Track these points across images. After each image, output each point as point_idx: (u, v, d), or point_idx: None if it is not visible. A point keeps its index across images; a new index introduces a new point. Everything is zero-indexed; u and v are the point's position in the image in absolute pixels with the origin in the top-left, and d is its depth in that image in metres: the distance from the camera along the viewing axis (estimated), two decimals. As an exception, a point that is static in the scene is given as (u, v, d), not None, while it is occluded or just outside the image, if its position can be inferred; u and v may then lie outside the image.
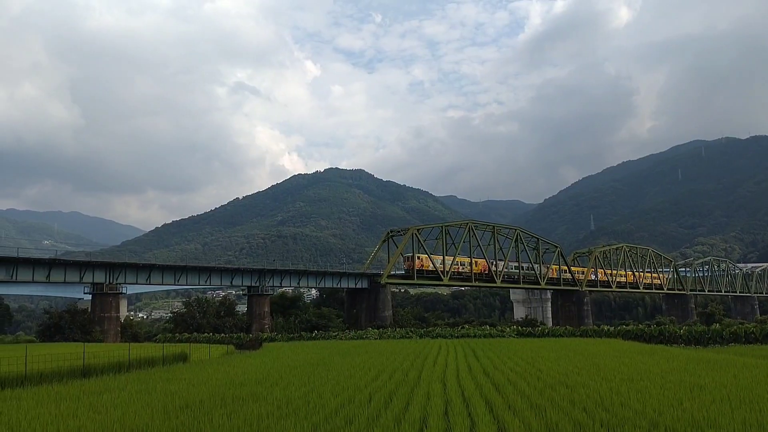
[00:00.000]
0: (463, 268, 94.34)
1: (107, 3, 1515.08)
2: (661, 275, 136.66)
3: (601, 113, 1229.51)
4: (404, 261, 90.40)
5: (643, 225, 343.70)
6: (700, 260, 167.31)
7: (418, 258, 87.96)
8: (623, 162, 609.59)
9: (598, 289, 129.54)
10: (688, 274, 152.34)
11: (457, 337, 58.95)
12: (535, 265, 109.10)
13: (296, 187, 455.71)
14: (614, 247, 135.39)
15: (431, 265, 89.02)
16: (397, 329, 67.28)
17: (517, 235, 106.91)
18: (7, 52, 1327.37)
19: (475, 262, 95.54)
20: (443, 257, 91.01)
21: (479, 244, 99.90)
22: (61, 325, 67.08)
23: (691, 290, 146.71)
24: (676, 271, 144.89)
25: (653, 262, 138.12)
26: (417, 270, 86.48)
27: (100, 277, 67.20)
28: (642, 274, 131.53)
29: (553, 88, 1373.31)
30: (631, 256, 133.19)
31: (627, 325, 72.87)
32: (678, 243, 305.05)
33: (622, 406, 14.01)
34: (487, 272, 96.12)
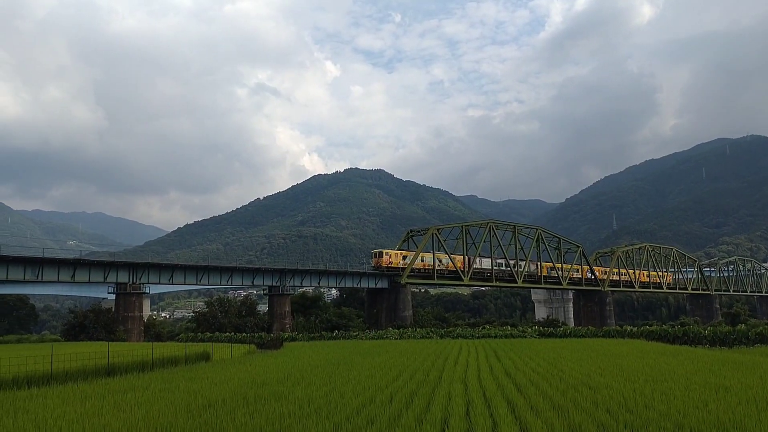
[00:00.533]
0: (443, 266, 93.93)
1: (130, 6, 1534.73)
2: (666, 273, 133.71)
3: (624, 111, 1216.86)
4: (372, 257, 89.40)
5: (667, 224, 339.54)
6: (725, 260, 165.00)
7: (386, 254, 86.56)
8: (646, 161, 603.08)
9: (621, 289, 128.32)
10: (713, 274, 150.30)
11: (478, 337, 58.73)
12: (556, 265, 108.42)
13: (316, 187, 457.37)
14: (637, 246, 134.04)
15: (401, 261, 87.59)
16: (418, 329, 67.21)
17: (538, 235, 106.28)
18: (33, 56, 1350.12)
19: (470, 259, 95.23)
20: (433, 254, 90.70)
21: (500, 244, 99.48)
22: (86, 324, 68.05)
23: (715, 290, 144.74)
24: (700, 271, 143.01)
25: (677, 262, 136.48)
26: (387, 267, 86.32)
27: (123, 277, 68.04)
28: (644, 272, 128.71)
29: (574, 86, 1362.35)
30: (654, 256, 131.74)
31: (650, 325, 72.05)
32: (702, 242, 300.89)
33: (646, 407, 13.86)
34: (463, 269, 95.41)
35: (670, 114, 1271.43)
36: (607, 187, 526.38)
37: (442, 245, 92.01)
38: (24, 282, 76.89)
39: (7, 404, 15.72)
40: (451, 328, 69.35)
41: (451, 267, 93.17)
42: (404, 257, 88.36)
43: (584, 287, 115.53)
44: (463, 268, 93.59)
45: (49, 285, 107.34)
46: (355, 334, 65.19)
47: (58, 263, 64.06)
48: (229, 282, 79.82)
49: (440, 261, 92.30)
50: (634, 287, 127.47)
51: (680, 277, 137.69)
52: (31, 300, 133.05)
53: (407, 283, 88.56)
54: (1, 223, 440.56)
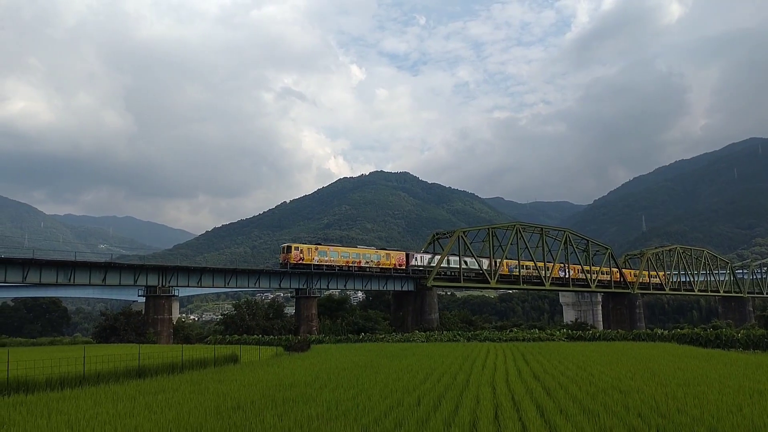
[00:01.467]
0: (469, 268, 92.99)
1: (158, 12, 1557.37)
2: (661, 274, 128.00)
3: (652, 111, 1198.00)
4: (280, 252, 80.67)
5: (698, 226, 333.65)
6: (758, 261, 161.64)
7: (296, 249, 77.38)
8: (676, 161, 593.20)
9: (651, 291, 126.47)
10: (746, 276, 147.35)
11: (506, 340, 58.33)
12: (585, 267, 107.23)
13: (342, 190, 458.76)
14: (667, 248, 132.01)
15: (315, 257, 78.19)
16: (444, 332, 66.99)
17: (566, 237, 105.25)
18: (64, 63, 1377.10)
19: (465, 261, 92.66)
20: (459, 257, 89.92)
21: (527, 246, 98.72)
22: (117, 326, 69.14)
23: (748, 293, 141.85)
24: (732, 273, 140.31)
25: (709, 264, 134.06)
26: (297, 263, 77.05)
27: (153, 280, 68.97)
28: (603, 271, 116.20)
29: (601, 86, 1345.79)
30: (685, 258, 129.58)
31: (681, 328, 70.85)
32: (735, 244, 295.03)
33: (678, 411, 13.64)
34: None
35: (701, 114, 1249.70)
36: (636, 189, 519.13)
37: (468, 248, 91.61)
38: (57, 285, 78.40)
39: (41, 405, 16.04)
40: (478, 331, 68.99)
41: (477, 270, 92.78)
42: (320, 252, 79.01)
43: (613, 290, 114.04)
44: (490, 270, 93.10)
45: (81, 288, 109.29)
46: (381, 336, 65.20)
47: (90, 267, 65.20)
48: (257, 285, 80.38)
49: (466, 263, 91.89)
50: (665, 290, 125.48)
51: (712, 279, 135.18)
52: (64, 303, 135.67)
53: (433, 285, 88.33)
54: (34, 228, 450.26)
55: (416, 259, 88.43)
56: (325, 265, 78.78)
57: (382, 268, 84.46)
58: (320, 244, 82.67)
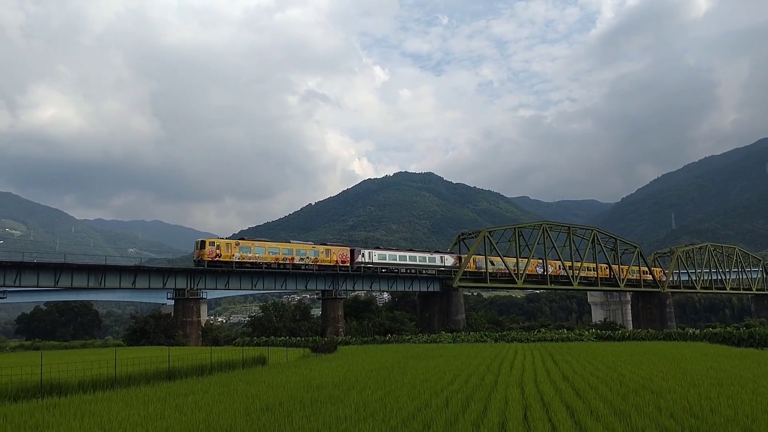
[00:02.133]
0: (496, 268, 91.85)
1: (183, 18, 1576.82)
2: (655, 269, 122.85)
3: (681, 107, 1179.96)
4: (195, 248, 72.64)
5: (729, 223, 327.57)
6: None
7: (210, 244, 69.44)
8: (705, 157, 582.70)
9: (681, 290, 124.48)
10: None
11: (534, 340, 57.87)
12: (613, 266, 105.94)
13: (366, 191, 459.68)
14: (698, 246, 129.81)
15: (236, 254, 70.17)
16: (471, 333, 66.68)
17: (593, 236, 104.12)
18: (93, 70, 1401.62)
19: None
20: (485, 257, 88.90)
21: (554, 246, 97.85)
22: (147, 329, 70.10)
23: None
24: (765, 270, 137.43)
25: (740, 262, 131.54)
26: (212, 260, 68.37)
27: (181, 283, 69.75)
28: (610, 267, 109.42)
29: (628, 83, 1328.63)
30: (716, 256, 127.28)
31: (713, 327, 69.58)
32: (767, 241, 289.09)
33: (712, 412, 13.40)
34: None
35: (730, 108, 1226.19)
36: (665, 186, 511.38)
37: (494, 248, 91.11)
38: (88, 289, 79.70)
39: (74, 408, 16.32)
40: (505, 332, 68.56)
41: (503, 270, 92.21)
42: (243, 248, 71.09)
43: (643, 289, 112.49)
44: (516, 270, 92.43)
45: (111, 291, 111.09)
46: (407, 337, 65.12)
47: (120, 270, 66.23)
48: (283, 287, 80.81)
49: (492, 263, 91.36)
50: (696, 288, 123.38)
51: (744, 277, 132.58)
52: (95, 306, 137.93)
53: (459, 286, 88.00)
54: (65, 233, 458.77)
55: (363, 256, 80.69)
56: (249, 263, 71.07)
57: (320, 266, 76.94)
58: (243, 239, 75.36)
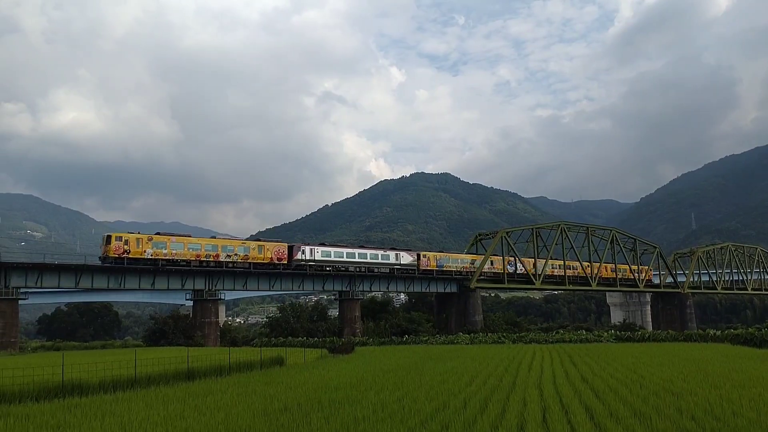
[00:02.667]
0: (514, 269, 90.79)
1: (201, 21, 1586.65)
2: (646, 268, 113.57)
3: (700, 106, 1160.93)
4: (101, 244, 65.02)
5: (750, 222, 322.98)
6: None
7: (119, 239, 62.56)
8: (726, 156, 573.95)
9: (702, 290, 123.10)
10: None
11: (552, 342, 57.51)
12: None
13: (383, 192, 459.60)
14: (718, 246, 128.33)
15: (148, 250, 63.76)
16: (489, 334, 66.47)
17: (612, 236, 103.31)
18: (113, 74, 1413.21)
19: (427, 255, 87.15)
20: (503, 258, 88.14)
21: (572, 246, 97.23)
22: (166, 330, 70.71)
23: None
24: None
25: (762, 262, 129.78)
26: (118, 258, 61.25)
27: (200, 284, 70.28)
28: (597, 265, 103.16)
29: (647, 81, 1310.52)
30: (737, 256, 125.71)
31: (735, 328, 68.68)
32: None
33: (734, 414, 13.23)
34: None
35: (752, 106, 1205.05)
36: (685, 185, 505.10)
37: (512, 248, 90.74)
38: (108, 290, 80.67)
39: (94, 408, 16.50)
40: (523, 333, 68.25)
41: (521, 270, 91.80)
42: (157, 243, 64.86)
43: (662, 289, 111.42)
44: (534, 271, 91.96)
45: (131, 293, 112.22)
46: (425, 338, 65.04)
47: (139, 272, 66.79)
48: (300, 287, 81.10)
49: (510, 264, 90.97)
50: (716, 289, 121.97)
51: (766, 277, 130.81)
52: (115, 307, 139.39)
53: (477, 287, 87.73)
54: (86, 234, 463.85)
55: (304, 253, 75.22)
56: (163, 260, 65.02)
57: (252, 263, 71.50)
58: (159, 233, 68.52)
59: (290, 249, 75.11)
